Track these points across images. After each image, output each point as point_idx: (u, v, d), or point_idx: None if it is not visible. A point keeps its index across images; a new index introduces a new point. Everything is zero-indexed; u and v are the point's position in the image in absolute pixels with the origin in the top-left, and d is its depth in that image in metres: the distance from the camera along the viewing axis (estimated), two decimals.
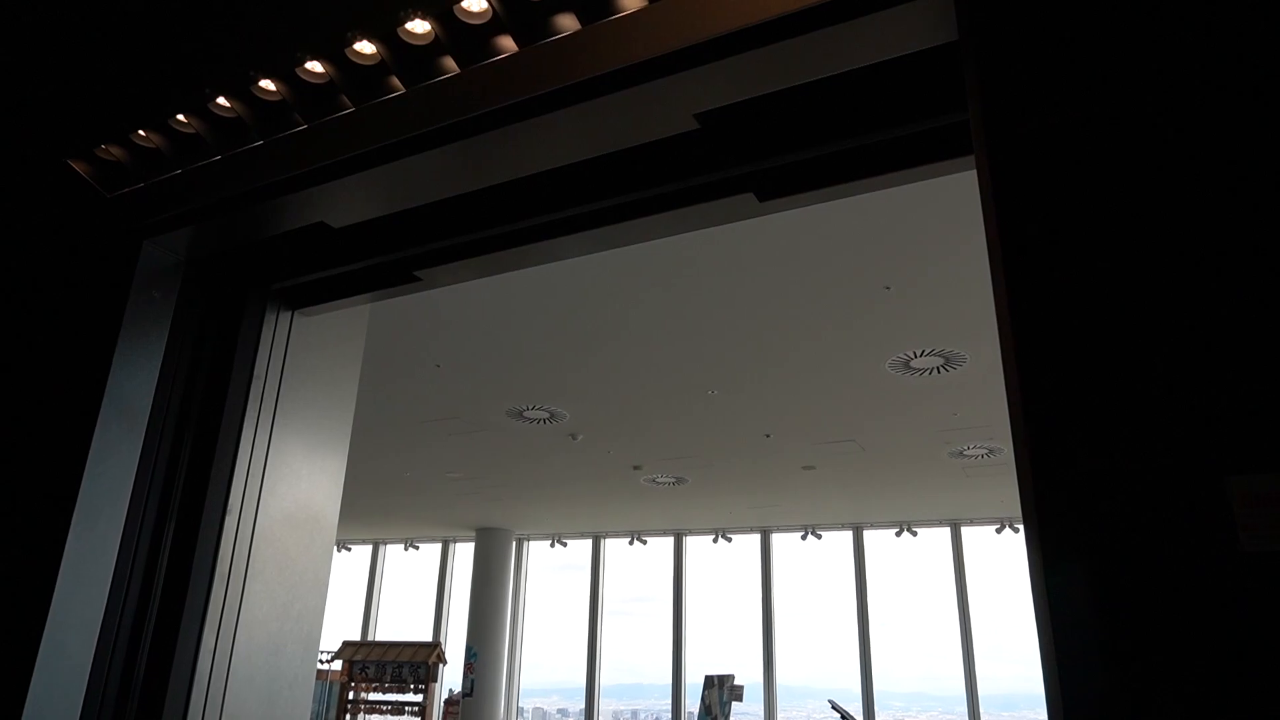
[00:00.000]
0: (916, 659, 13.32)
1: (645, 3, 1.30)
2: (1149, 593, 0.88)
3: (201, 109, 1.68)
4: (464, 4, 1.38)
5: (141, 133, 1.77)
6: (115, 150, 1.82)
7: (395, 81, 1.51)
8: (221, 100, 1.65)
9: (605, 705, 14.65)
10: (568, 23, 1.36)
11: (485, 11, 1.39)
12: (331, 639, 13.57)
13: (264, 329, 2.05)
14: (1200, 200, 0.95)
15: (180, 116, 1.71)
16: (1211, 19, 0.99)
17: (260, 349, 2.04)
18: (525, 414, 8.19)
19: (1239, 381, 0.89)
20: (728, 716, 11.80)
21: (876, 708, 12.69)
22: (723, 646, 14.26)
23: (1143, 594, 0.88)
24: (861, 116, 1.40)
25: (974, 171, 1.16)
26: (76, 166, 1.86)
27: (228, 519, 1.89)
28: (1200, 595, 0.86)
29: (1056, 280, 1.00)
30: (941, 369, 6.75)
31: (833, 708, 10.37)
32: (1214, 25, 0.99)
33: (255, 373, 2.01)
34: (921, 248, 4.97)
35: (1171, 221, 0.96)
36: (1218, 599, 0.85)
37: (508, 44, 1.41)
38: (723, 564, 14.48)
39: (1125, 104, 1.01)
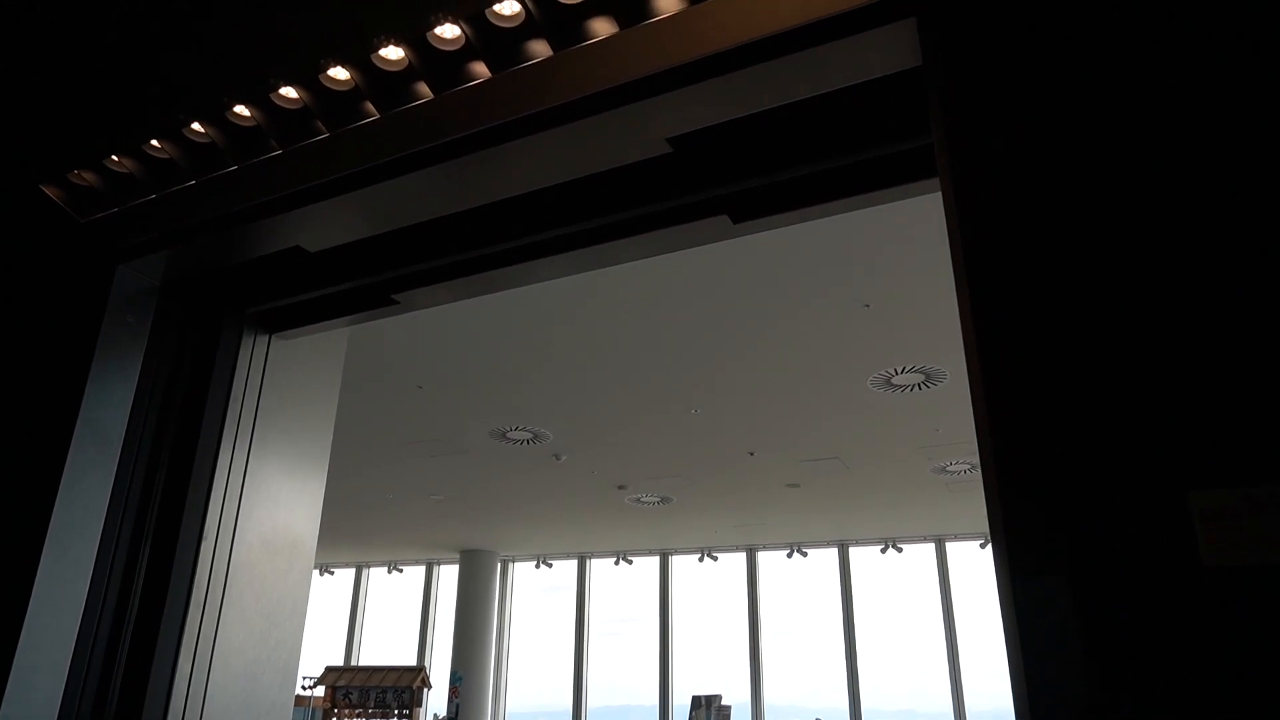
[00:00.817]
0: (904, 675, 13.31)
1: (616, 29, 1.32)
2: (1114, 608, 0.89)
3: (175, 134, 1.68)
4: (437, 31, 1.40)
5: (115, 158, 1.77)
6: (88, 175, 1.81)
7: (369, 106, 1.52)
8: (195, 125, 1.66)
9: None
10: (540, 49, 1.38)
11: (459, 38, 1.41)
12: (314, 664, 13.40)
13: (240, 353, 2.04)
14: (1159, 220, 0.98)
15: (154, 141, 1.71)
16: (1170, 43, 1.02)
17: (237, 373, 2.03)
18: (508, 435, 8.17)
19: (1199, 398, 0.91)
20: None
21: None
22: (710, 666, 14.19)
23: (1108, 609, 0.89)
24: (831, 140, 1.42)
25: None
26: (49, 191, 1.85)
27: (204, 544, 1.88)
28: (1164, 609, 0.87)
29: (1020, 299, 1.02)
30: (922, 385, 6.80)
31: None
32: (1172, 49, 1.02)
33: (232, 396, 2.00)
34: (899, 266, 5.02)
35: (1131, 241, 0.98)
36: (1181, 613, 0.86)
37: (481, 70, 1.42)
38: (709, 583, 14.44)
39: (1084, 127, 1.04)
